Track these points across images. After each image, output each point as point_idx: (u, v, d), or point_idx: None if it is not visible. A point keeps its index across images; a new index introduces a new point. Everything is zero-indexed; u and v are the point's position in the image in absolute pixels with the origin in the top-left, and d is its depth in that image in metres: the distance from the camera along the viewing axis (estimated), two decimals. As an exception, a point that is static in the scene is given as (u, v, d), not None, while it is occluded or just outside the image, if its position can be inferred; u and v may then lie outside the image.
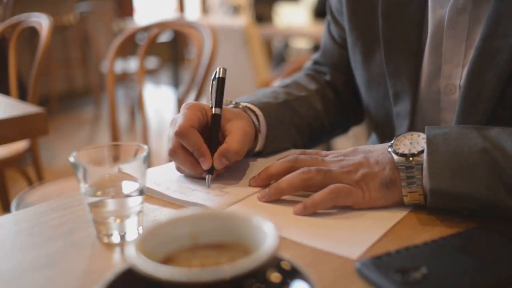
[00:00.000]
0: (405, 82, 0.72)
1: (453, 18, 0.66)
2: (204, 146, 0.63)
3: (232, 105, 0.72)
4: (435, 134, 0.56)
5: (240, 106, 0.72)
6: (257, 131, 0.71)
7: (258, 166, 0.70)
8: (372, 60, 0.77)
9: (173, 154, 0.64)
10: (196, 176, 0.65)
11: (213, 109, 0.66)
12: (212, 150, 0.63)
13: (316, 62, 0.93)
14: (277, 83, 0.88)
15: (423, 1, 0.70)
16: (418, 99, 0.73)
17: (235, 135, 0.64)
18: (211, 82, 0.68)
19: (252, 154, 0.73)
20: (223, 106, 0.68)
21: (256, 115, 0.72)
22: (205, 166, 0.63)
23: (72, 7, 4.04)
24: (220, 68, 0.69)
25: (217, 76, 0.68)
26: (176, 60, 4.04)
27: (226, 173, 0.67)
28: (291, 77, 0.89)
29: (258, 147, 0.72)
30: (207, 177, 0.63)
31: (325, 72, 0.90)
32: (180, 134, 0.62)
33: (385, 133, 0.80)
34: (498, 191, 0.51)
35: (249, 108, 0.72)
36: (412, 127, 0.73)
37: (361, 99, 0.86)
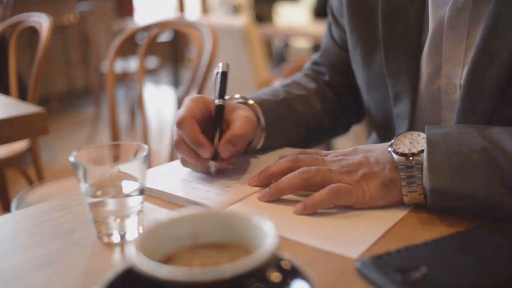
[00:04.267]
0: (405, 83, 0.72)
1: (453, 17, 0.66)
2: (201, 135, 0.62)
3: (235, 100, 0.73)
4: (435, 133, 0.56)
5: (243, 102, 0.73)
6: (260, 127, 0.72)
7: (258, 165, 0.70)
8: (372, 61, 0.77)
9: (177, 146, 0.64)
10: (201, 168, 0.65)
11: (217, 100, 0.66)
12: (217, 141, 0.64)
13: (315, 63, 0.94)
14: (277, 83, 0.88)
15: (423, 1, 0.70)
16: (418, 99, 0.73)
17: (239, 121, 0.64)
18: (215, 76, 0.69)
19: (254, 151, 0.74)
20: (227, 100, 0.68)
21: (257, 111, 0.73)
22: (204, 154, 0.62)
23: (72, 7, 4.03)
24: (223, 63, 0.69)
25: (220, 70, 0.69)
26: (176, 60, 4.04)
27: (226, 172, 0.68)
28: (291, 77, 0.90)
29: (260, 144, 0.73)
30: (211, 164, 0.64)
31: (323, 73, 0.91)
32: (178, 124, 0.62)
33: (386, 133, 0.81)
34: (498, 191, 0.51)
35: (251, 105, 0.73)
36: (412, 127, 0.73)
37: (361, 99, 0.86)
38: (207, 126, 0.65)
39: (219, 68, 0.69)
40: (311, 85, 0.86)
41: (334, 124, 0.88)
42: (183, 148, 0.63)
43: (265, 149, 0.76)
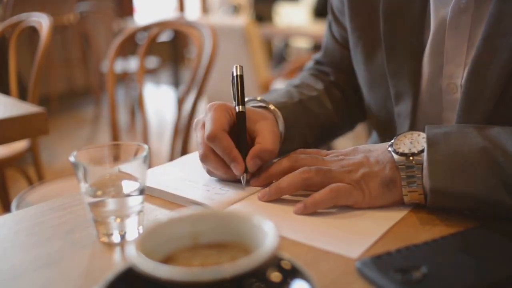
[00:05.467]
0: (406, 82, 0.72)
1: (455, 17, 0.66)
2: (235, 150, 0.61)
3: (255, 104, 0.72)
4: (435, 133, 0.56)
5: (264, 106, 0.71)
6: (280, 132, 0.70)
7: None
8: (374, 60, 0.77)
9: (204, 159, 0.63)
10: (230, 179, 0.64)
11: (237, 107, 0.65)
12: (241, 150, 0.62)
13: (318, 62, 0.93)
14: (277, 83, 0.88)
15: (424, 1, 0.70)
16: (419, 99, 0.73)
17: (267, 135, 0.63)
18: (231, 81, 0.67)
19: None
20: (248, 106, 0.67)
21: (277, 116, 0.71)
22: (237, 171, 0.61)
23: (72, 7, 4.03)
24: (236, 66, 0.67)
25: (234, 74, 0.67)
26: (176, 60, 4.03)
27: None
28: (298, 77, 0.89)
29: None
30: (242, 177, 0.62)
31: (328, 73, 0.90)
32: (210, 138, 0.60)
33: (387, 132, 0.80)
34: (498, 191, 0.51)
35: (271, 110, 0.71)
36: (413, 127, 0.73)
37: (363, 97, 0.86)
38: (232, 134, 0.63)
39: (233, 72, 0.67)
40: (319, 85, 0.86)
41: (342, 123, 0.87)
42: (211, 160, 0.62)
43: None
